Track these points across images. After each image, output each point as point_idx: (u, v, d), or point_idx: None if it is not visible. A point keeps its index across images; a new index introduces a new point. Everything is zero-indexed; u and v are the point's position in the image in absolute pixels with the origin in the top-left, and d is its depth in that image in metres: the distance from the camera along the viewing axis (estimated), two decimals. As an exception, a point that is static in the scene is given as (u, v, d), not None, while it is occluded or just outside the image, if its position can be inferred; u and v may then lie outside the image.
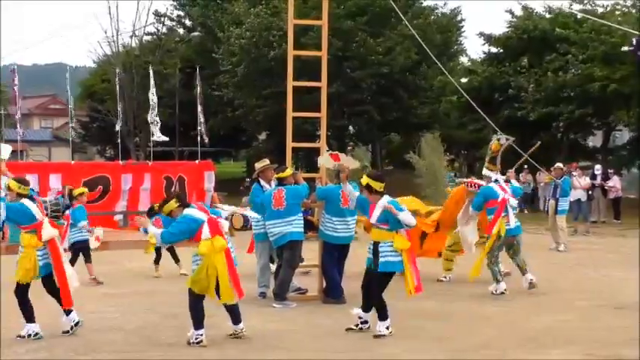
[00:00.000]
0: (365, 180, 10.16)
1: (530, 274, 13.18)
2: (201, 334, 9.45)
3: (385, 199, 10.03)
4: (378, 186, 10.08)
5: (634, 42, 17.64)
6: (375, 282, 10.07)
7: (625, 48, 18.04)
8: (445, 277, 14.59)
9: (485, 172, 13.69)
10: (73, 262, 14.93)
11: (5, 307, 10.59)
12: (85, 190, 16.12)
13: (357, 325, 10.23)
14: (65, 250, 12.62)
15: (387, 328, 9.99)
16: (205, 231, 9.41)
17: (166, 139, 29.96)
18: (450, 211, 14.37)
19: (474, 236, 13.71)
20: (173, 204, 9.68)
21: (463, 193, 14.23)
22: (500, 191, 13.21)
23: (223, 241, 9.52)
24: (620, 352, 9.17)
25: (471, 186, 13.99)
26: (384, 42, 38.47)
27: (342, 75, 37.81)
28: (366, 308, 10.22)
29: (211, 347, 9.39)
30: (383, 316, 10.03)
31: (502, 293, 12.87)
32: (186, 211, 9.58)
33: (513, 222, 13.17)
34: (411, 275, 10.01)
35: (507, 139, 13.74)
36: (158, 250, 15.51)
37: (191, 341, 9.44)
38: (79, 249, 14.92)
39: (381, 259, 9.96)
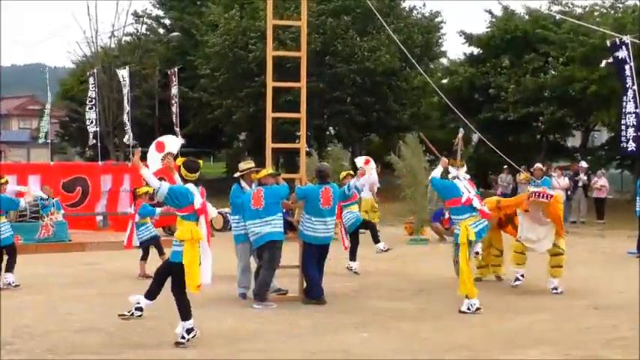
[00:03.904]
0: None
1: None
2: None
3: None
4: (190, 176, 9.70)
5: (608, 44, 17.69)
6: (164, 268, 9.95)
7: (608, 60, 18.01)
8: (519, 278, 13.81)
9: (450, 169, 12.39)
10: (144, 258, 15.29)
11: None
12: (149, 189, 16.20)
13: (129, 312, 9.95)
14: None
15: (189, 331, 9.42)
16: None
17: (133, 142, 30.02)
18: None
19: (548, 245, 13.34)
20: None
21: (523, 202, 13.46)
22: (464, 190, 11.96)
23: None
24: (598, 353, 9.20)
25: (542, 196, 13.17)
26: (369, 41, 38.50)
27: (324, 72, 37.83)
28: (148, 295, 10.05)
29: (189, 347, 9.35)
30: (183, 314, 9.52)
31: (478, 309, 11.59)
32: None
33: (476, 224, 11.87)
34: (192, 270, 9.36)
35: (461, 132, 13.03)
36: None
37: None
38: (148, 246, 15.37)
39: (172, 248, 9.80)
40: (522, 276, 13.79)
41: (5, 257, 14.19)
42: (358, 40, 38.11)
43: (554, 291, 13.32)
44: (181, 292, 9.51)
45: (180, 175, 9.76)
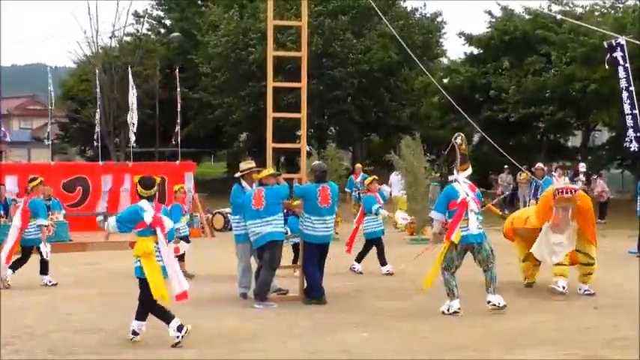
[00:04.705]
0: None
1: (494, 297, 11.51)
2: None
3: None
4: (145, 193, 9.72)
5: (605, 45, 17.65)
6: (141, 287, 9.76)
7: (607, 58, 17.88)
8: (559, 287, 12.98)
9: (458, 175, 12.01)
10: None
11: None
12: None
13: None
14: None
15: (179, 329, 9.42)
16: None
17: (132, 143, 30.09)
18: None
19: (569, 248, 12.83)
20: None
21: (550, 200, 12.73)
22: (461, 191, 11.72)
23: None
24: (598, 353, 9.19)
25: (566, 192, 12.52)
26: (365, 41, 38.56)
27: (323, 73, 37.87)
28: (138, 317, 9.76)
29: (189, 348, 9.35)
30: (165, 319, 9.54)
31: (455, 313, 11.39)
32: None
33: (475, 227, 11.49)
34: (154, 281, 9.43)
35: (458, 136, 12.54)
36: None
37: None
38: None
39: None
40: (564, 287, 12.88)
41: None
42: (354, 41, 38.18)
43: (586, 292, 13.03)
44: (151, 303, 9.56)
45: (137, 192, 9.83)
